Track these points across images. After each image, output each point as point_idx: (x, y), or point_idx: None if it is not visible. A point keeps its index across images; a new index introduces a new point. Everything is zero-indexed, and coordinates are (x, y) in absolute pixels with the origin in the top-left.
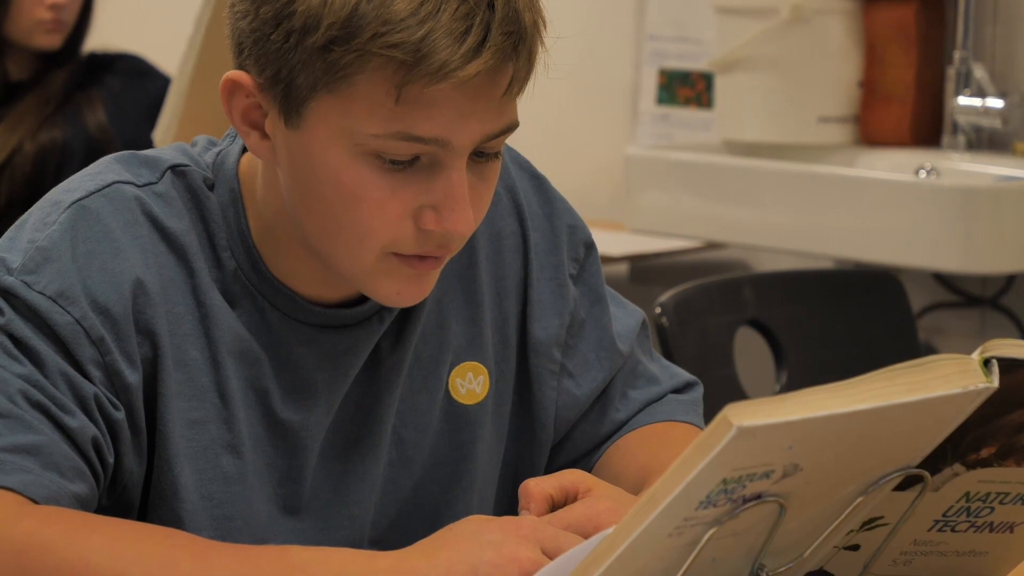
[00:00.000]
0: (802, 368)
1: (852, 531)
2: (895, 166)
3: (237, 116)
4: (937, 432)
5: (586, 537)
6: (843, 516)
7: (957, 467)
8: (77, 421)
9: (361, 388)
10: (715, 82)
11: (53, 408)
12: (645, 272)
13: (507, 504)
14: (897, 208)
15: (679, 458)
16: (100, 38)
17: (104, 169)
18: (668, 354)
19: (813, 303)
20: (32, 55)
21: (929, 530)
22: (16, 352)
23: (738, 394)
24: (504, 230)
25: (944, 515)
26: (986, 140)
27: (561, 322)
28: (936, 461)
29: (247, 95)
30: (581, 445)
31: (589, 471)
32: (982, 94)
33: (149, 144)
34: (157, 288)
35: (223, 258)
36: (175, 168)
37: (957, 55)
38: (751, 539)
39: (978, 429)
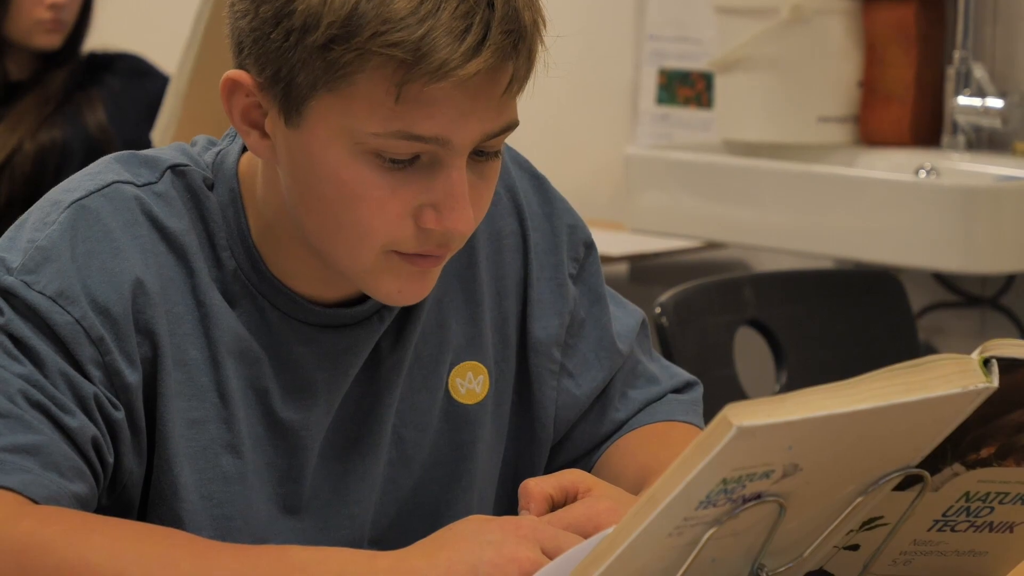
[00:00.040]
0: (802, 368)
1: (852, 531)
2: (895, 166)
3: (237, 115)
4: (937, 432)
5: (586, 537)
6: (843, 516)
7: (957, 467)
8: (77, 421)
9: (361, 388)
10: (715, 82)
11: (53, 408)
12: (645, 272)
13: (507, 504)
14: (897, 208)
15: (679, 458)
16: (100, 38)
17: (104, 169)
18: (668, 354)
19: (813, 303)
20: (32, 55)
21: (929, 530)
22: (16, 352)
23: (738, 394)
24: (504, 230)
25: (944, 515)
26: (986, 140)
27: (561, 322)
28: (936, 461)
29: (247, 94)
30: (581, 445)
31: (589, 471)
32: (982, 94)
33: (148, 144)
34: (157, 288)
35: (223, 258)
36: (175, 168)
37: (957, 55)
38: (751, 539)
39: (978, 429)
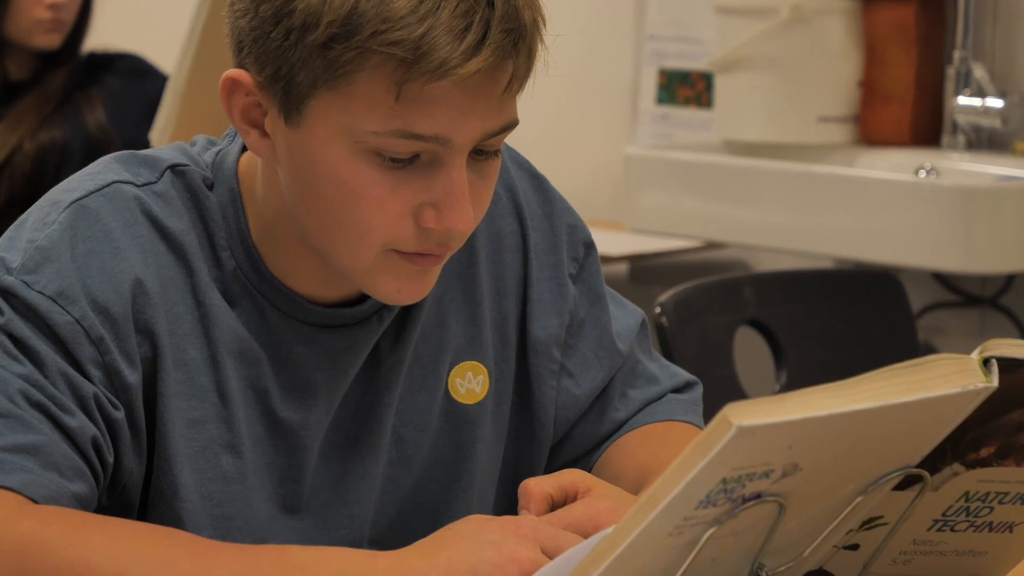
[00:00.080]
0: (802, 368)
1: (852, 531)
2: (895, 166)
3: (237, 115)
4: (936, 432)
5: (586, 537)
6: (843, 516)
7: (956, 467)
8: (77, 421)
9: (361, 387)
10: (715, 82)
11: (53, 408)
12: (645, 272)
13: (507, 504)
14: (897, 208)
15: (679, 458)
16: (100, 38)
17: (103, 169)
18: (668, 354)
19: (813, 303)
20: (31, 55)
21: (928, 530)
22: (16, 352)
23: (738, 394)
24: (504, 229)
25: (943, 515)
26: (986, 140)
27: (561, 322)
28: (935, 461)
29: (247, 93)
30: (581, 445)
31: (589, 471)
32: (982, 94)
33: (148, 144)
34: (156, 288)
35: (222, 257)
36: (174, 168)
37: (957, 55)
38: (751, 539)
39: (977, 429)
